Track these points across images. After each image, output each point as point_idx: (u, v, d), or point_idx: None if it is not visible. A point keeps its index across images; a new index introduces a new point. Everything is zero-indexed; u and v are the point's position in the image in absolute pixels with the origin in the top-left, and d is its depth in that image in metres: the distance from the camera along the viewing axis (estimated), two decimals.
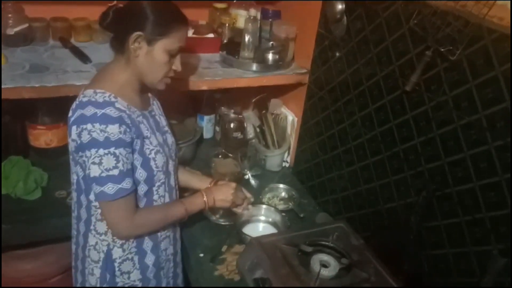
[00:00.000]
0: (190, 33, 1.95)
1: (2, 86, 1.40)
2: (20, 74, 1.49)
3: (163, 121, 1.40)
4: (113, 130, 1.11)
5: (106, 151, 1.11)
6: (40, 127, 1.81)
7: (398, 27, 1.35)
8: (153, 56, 1.18)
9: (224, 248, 1.56)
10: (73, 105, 1.17)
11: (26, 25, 1.71)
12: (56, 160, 1.84)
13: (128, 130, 1.14)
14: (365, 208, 1.61)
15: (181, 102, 2.16)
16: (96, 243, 1.28)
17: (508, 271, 1.09)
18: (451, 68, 1.20)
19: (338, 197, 1.76)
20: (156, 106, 1.39)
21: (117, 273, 1.31)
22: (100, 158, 1.11)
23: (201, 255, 1.53)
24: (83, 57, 1.67)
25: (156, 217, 1.29)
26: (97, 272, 1.30)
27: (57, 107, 1.75)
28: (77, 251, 1.35)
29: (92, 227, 1.27)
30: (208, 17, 2.12)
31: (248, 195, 1.58)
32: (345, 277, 1.26)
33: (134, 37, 1.15)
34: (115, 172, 1.13)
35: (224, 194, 1.43)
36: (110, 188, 1.13)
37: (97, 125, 1.10)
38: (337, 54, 1.66)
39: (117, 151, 1.12)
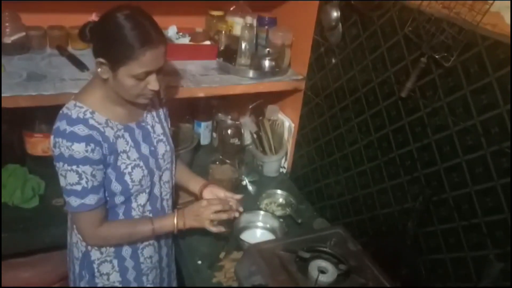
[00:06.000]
0: (187, 40, 1.96)
1: None
2: (17, 82, 1.49)
3: (158, 129, 1.38)
4: (79, 148, 1.13)
5: (69, 167, 1.15)
6: (37, 135, 1.80)
7: (393, 34, 1.36)
8: (118, 81, 1.15)
9: (222, 255, 1.56)
10: (59, 112, 1.20)
11: (23, 33, 1.71)
12: (53, 168, 1.78)
13: (97, 148, 1.16)
14: (362, 214, 1.62)
15: (178, 108, 2.16)
16: (77, 241, 1.34)
17: (504, 275, 1.10)
18: (445, 74, 1.21)
19: (335, 202, 1.76)
20: (151, 115, 1.37)
21: (96, 274, 1.36)
22: (65, 172, 1.16)
23: (199, 262, 1.53)
24: (80, 65, 1.67)
25: (120, 233, 1.31)
26: (77, 268, 1.36)
27: (54, 115, 1.72)
28: (68, 246, 1.42)
29: (74, 226, 1.32)
30: (205, 25, 2.13)
31: (234, 201, 1.49)
32: (343, 283, 1.26)
33: (98, 63, 1.15)
34: (78, 187, 1.17)
35: (194, 213, 1.38)
36: (73, 201, 1.19)
37: (64, 141, 1.13)
38: (333, 60, 1.68)
39: (80, 169, 1.15)
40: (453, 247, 1.25)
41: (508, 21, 1.05)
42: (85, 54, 1.80)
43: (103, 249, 1.33)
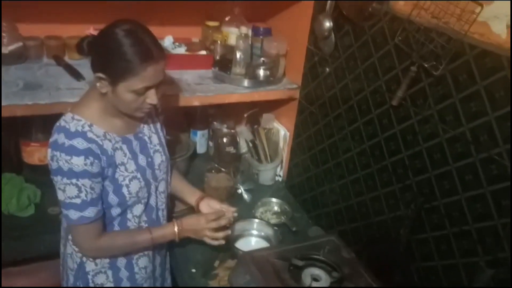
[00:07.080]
0: (183, 50, 1.98)
1: None
2: (14, 92, 1.50)
3: (154, 139, 1.39)
4: (78, 162, 1.13)
5: (68, 181, 1.15)
6: (34, 144, 1.81)
7: (384, 44, 1.38)
8: (118, 96, 1.15)
9: (216, 263, 1.56)
10: (56, 125, 1.19)
11: (20, 43, 1.73)
12: (49, 177, 1.82)
13: (96, 161, 1.16)
14: (356, 221, 1.62)
15: (175, 117, 2.17)
16: (72, 252, 1.34)
17: (495, 282, 1.11)
18: (435, 83, 1.22)
19: (330, 210, 1.77)
20: (148, 126, 1.38)
21: (91, 284, 1.35)
22: (64, 186, 1.16)
23: (193, 270, 1.53)
24: (76, 75, 1.68)
25: (119, 244, 1.32)
26: (71, 279, 1.36)
27: (50, 124, 1.72)
28: (62, 256, 1.42)
29: (69, 237, 1.32)
30: (201, 35, 2.15)
31: (230, 211, 1.52)
32: None
33: (97, 78, 1.14)
34: (77, 201, 1.17)
35: (193, 227, 1.41)
36: (72, 214, 1.18)
37: (63, 155, 1.13)
38: (327, 70, 1.70)
39: (79, 182, 1.15)
40: (444, 254, 1.26)
41: (495, 31, 1.06)
42: (82, 64, 1.81)
43: (98, 260, 1.33)
